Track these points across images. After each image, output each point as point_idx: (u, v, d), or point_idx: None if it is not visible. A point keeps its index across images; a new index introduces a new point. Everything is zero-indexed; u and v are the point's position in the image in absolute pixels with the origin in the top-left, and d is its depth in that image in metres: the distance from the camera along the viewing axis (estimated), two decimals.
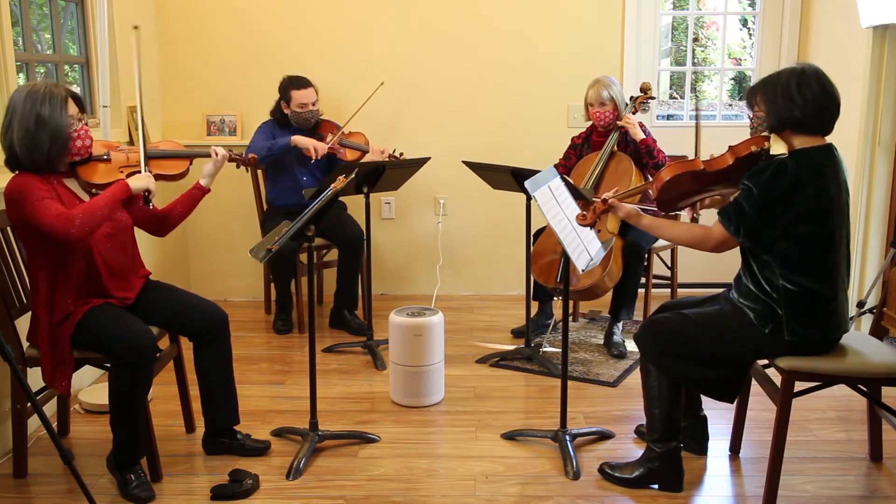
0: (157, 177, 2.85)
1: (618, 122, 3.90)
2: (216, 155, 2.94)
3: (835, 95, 2.38)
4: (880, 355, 2.47)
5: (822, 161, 2.36)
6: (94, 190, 2.71)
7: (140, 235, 2.88)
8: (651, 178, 3.98)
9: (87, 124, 2.64)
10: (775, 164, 2.34)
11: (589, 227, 2.71)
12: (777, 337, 2.41)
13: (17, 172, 2.55)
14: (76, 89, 4.10)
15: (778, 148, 2.41)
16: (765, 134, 2.45)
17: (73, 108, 2.56)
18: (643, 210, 2.70)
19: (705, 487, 2.68)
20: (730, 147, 2.49)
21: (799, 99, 2.35)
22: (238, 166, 3.13)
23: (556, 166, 3.71)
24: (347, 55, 4.66)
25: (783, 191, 2.31)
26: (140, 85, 3.06)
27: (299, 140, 4.15)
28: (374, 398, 3.41)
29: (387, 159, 4.11)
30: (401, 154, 4.22)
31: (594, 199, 2.73)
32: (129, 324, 2.57)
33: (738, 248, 2.49)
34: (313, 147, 4.13)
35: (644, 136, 3.86)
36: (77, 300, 2.59)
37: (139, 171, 2.79)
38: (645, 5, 4.72)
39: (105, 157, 2.76)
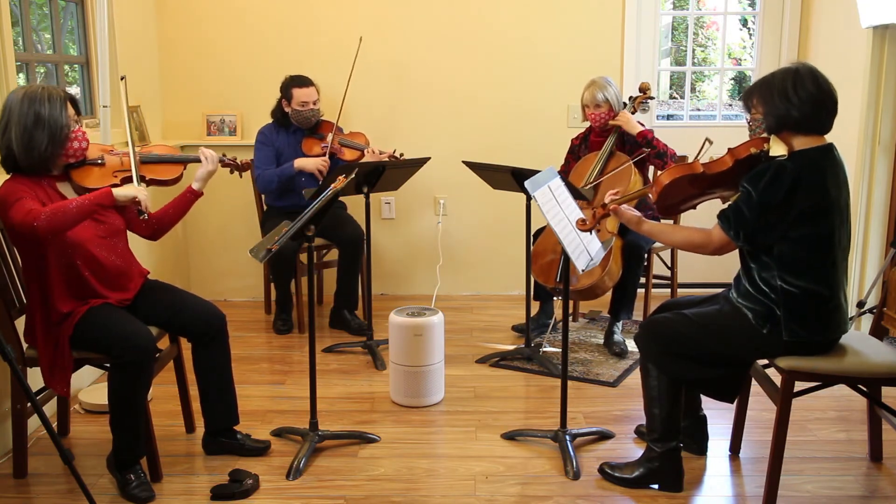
0: (151, 181, 2.81)
1: (611, 122, 3.87)
2: (205, 158, 2.86)
3: (830, 93, 2.36)
4: (880, 355, 2.47)
5: (822, 161, 2.35)
6: None
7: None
8: (652, 177, 3.99)
9: (82, 127, 2.64)
10: (774, 166, 2.32)
11: (589, 232, 2.70)
12: (776, 337, 2.40)
13: (10, 175, 2.55)
14: (76, 89, 4.11)
15: (777, 149, 2.40)
16: (764, 135, 2.44)
17: (70, 110, 2.57)
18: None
19: (705, 487, 2.68)
20: (729, 149, 2.47)
21: (795, 98, 2.33)
22: (231, 172, 3.01)
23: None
24: (347, 55, 4.66)
25: (783, 194, 2.30)
26: (130, 132, 2.88)
27: (304, 164, 4.16)
28: (374, 398, 3.41)
29: (386, 160, 4.11)
30: (401, 154, 4.22)
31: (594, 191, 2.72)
32: (129, 324, 2.57)
33: (737, 248, 2.49)
34: (317, 170, 4.15)
35: (642, 129, 3.81)
36: (73, 301, 2.59)
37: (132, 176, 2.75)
38: (645, 5, 4.72)
39: (99, 160, 2.73)
